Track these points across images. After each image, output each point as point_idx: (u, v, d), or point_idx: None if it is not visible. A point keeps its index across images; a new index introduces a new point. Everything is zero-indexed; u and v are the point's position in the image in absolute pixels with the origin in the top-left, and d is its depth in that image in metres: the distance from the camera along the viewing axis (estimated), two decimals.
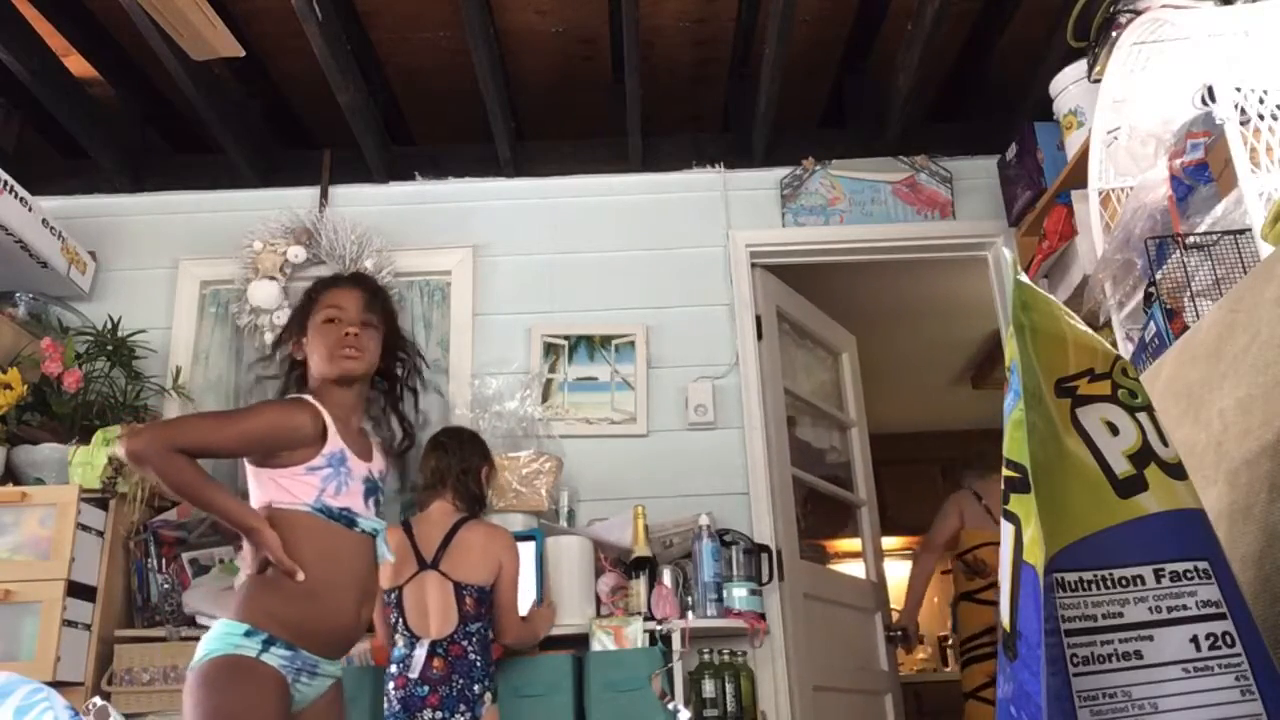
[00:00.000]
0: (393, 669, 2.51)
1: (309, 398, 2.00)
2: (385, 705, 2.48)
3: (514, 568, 2.64)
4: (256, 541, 1.86)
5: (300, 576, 1.83)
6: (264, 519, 1.87)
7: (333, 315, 2.05)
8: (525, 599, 2.74)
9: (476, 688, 2.47)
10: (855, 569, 3.93)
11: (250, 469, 1.96)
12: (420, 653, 2.47)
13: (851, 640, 3.50)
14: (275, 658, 1.79)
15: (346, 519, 1.93)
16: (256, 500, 1.94)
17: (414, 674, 2.44)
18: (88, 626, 2.72)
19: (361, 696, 2.62)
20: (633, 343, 3.48)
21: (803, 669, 3.13)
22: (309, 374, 2.07)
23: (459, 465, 2.74)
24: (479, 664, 2.50)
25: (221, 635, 1.81)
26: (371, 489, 2.01)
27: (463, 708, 2.43)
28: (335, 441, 1.95)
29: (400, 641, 2.54)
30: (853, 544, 4.34)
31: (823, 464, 3.89)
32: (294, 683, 1.82)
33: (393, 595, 2.57)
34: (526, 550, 2.81)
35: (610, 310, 3.54)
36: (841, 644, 3.41)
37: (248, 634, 1.79)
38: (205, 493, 1.88)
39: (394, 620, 2.57)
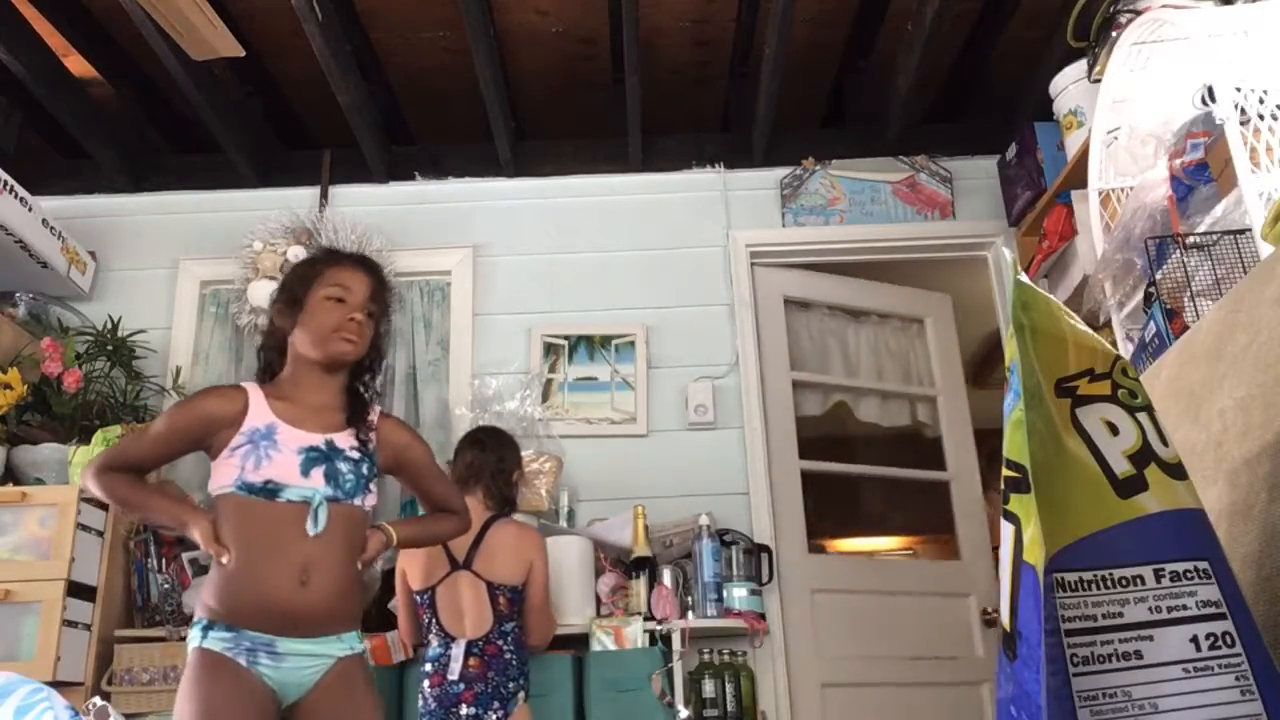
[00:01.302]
0: (427, 668, 2.53)
1: (243, 384, 2.00)
2: (420, 703, 2.50)
3: (544, 568, 2.65)
4: (191, 535, 1.87)
5: (224, 559, 1.82)
6: (195, 512, 1.91)
7: (339, 295, 1.99)
8: None
9: (511, 685, 2.50)
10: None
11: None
12: (457, 653, 2.49)
13: (919, 629, 3.30)
14: (215, 641, 1.80)
15: (268, 491, 1.86)
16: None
17: (453, 676, 2.46)
18: (88, 626, 2.72)
19: None
20: (633, 343, 3.48)
21: (807, 667, 3.13)
22: (287, 348, 2.01)
23: (495, 464, 2.73)
24: (514, 662, 2.53)
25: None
26: (318, 458, 1.91)
27: (496, 704, 2.45)
28: (260, 417, 1.92)
29: (434, 641, 2.55)
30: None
31: (905, 442, 3.77)
32: (252, 664, 1.79)
33: (425, 595, 2.58)
34: None
35: (610, 310, 3.54)
36: (891, 635, 3.26)
37: (193, 625, 1.85)
38: (138, 501, 1.97)
39: (427, 620, 2.58)
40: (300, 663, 1.84)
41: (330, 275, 2.02)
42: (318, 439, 1.94)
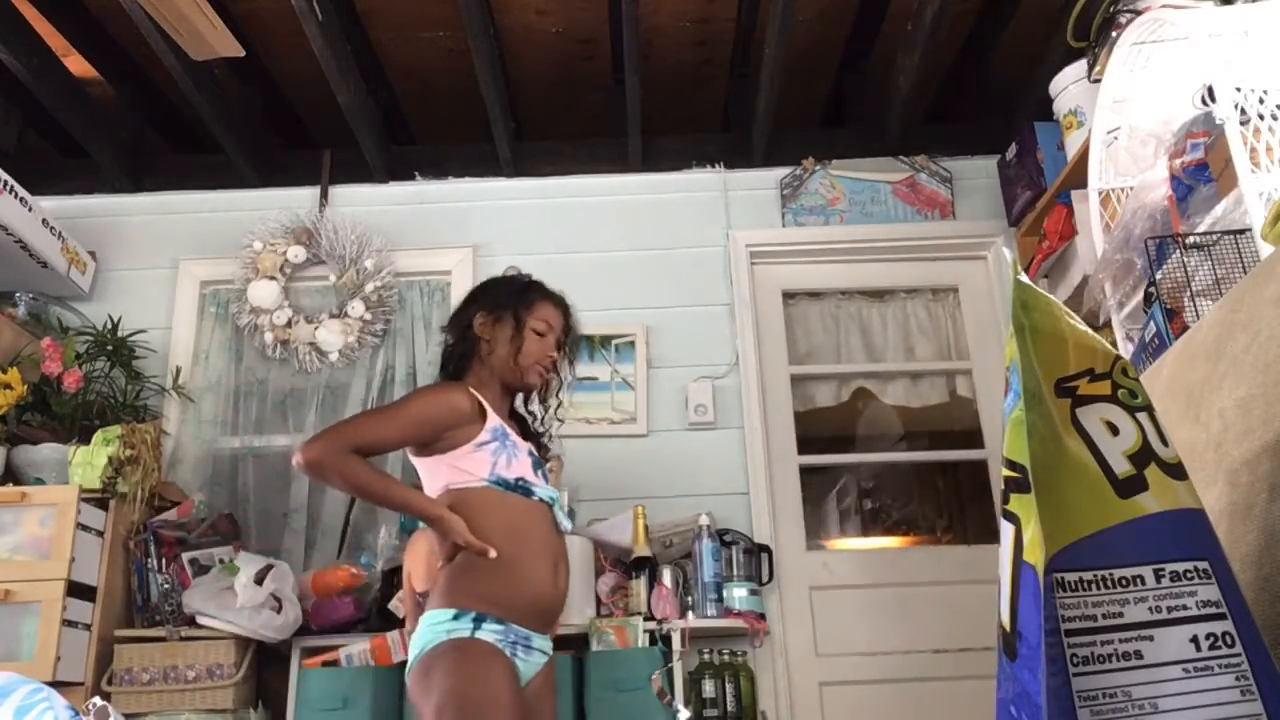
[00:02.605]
0: None
1: (459, 383, 2.05)
2: None
3: None
4: (443, 530, 1.88)
5: (492, 554, 1.85)
6: (445, 507, 1.90)
7: (544, 330, 2.11)
8: None
9: None
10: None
11: (418, 460, 2.00)
12: None
13: (945, 620, 3.19)
14: (489, 633, 1.80)
15: (523, 489, 1.95)
16: (432, 488, 1.97)
17: None
18: (88, 626, 2.72)
19: (361, 697, 2.62)
20: (633, 343, 3.48)
21: (808, 667, 3.13)
22: (481, 354, 2.10)
23: None
24: None
25: (431, 626, 1.82)
26: (537, 463, 2.05)
27: None
28: (495, 418, 2.00)
29: None
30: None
31: (935, 426, 3.68)
32: (513, 657, 1.83)
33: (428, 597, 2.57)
34: None
35: (610, 310, 3.53)
36: (909, 628, 3.19)
37: (456, 617, 1.81)
38: (386, 490, 1.95)
39: None
40: (540, 658, 1.93)
41: (541, 309, 2.14)
42: (528, 445, 2.06)
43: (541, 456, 2.14)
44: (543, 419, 2.22)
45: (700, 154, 3.76)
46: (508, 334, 2.09)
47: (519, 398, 2.21)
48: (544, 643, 1.95)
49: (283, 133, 3.84)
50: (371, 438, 1.91)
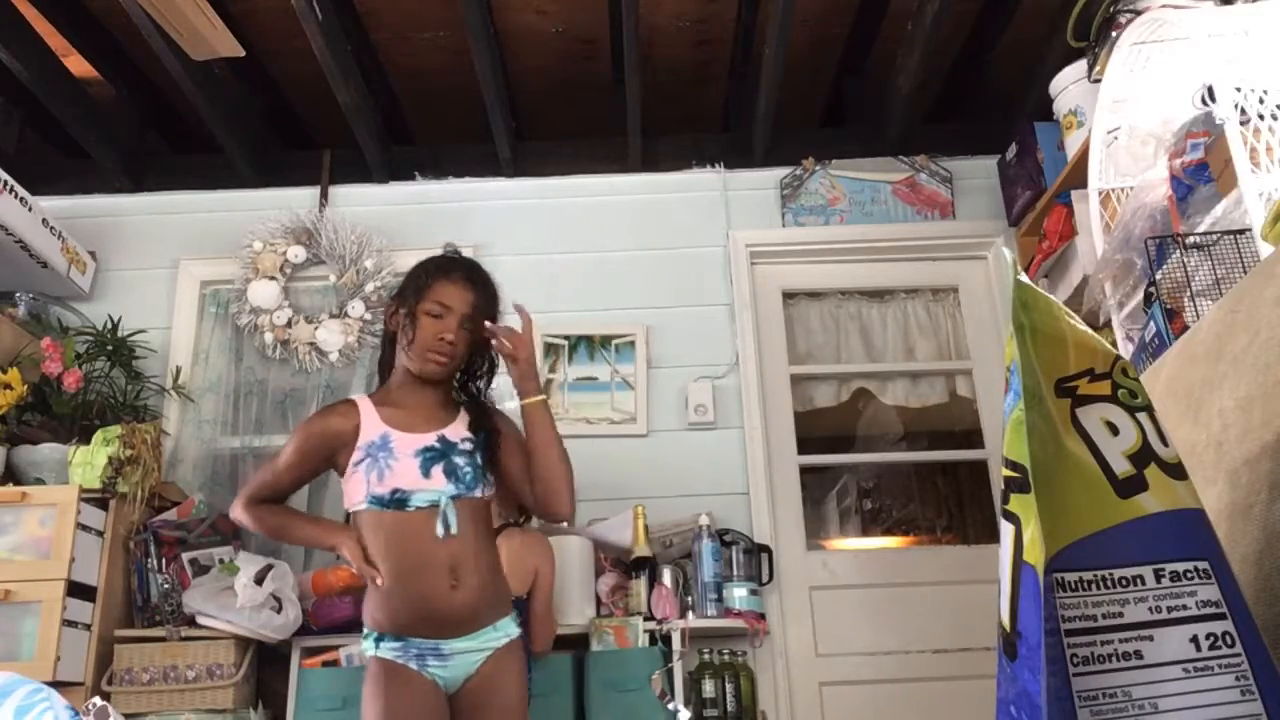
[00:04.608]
0: None
1: (352, 397, 2.09)
2: None
3: (551, 573, 2.63)
4: (341, 556, 1.97)
5: (379, 580, 1.91)
6: (342, 533, 1.98)
7: (438, 312, 2.03)
8: None
9: None
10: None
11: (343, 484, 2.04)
12: None
13: (946, 620, 3.18)
14: (387, 650, 1.91)
15: (397, 501, 1.94)
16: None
17: None
18: (88, 626, 2.72)
19: (360, 698, 2.61)
20: (633, 343, 3.48)
21: (808, 667, 3.13)
22: (399, 349, 2.08)
23: None
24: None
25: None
26: (435, 456, 1.98)
27: None
28: (372, 429, 1.99)
29: None
30: None
31: (934, 427, 3.68)
32: (422, 668, 1.90)
33: None
34: None
35: (610, 310, 3.54)
36: (909, 628, 3.19)
37: (365, 636, 1.96)
38: (288, 531, 2.10)
39: None
40: (465, 659, 1.94)
41: (434, 290, 2.05)
42: (430, 437, 2.00)
43: (489, 432, 2.06)
44: (483, 395, 2.14)
45: (700, 154, 3.75)
46: (408, 324, 2.05)
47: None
48: (470, 642, 1.94)
49: (283, 133, 3.84)
50: (265, 487, 2.05)
